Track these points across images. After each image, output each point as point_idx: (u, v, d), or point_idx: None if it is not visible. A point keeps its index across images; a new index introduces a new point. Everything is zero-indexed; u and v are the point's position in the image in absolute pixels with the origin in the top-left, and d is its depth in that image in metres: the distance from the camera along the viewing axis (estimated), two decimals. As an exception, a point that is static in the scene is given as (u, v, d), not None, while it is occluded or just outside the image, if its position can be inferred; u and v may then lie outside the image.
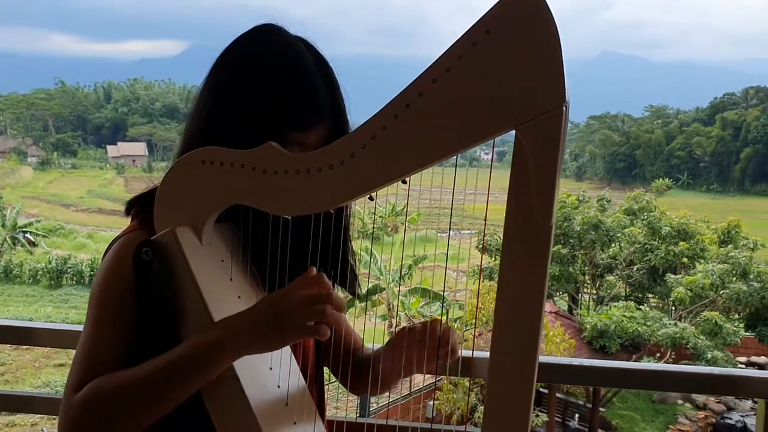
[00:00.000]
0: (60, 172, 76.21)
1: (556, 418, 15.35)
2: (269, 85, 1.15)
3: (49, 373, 19.94)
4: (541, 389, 14.13)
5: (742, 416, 16.55)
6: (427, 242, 18.75)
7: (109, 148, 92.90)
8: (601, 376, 1.83)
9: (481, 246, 18.14)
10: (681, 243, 17.79)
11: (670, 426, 16.68)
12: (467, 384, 12.43)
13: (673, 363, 14.55)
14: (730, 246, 17.79)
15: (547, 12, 0.90)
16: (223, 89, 1.18)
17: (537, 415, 13.79)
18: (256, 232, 1.12)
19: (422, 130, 0.96)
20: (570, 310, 20.15)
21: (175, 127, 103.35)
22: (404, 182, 1.01)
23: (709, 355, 14.36)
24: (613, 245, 18.94)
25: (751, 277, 16.05)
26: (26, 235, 37.55)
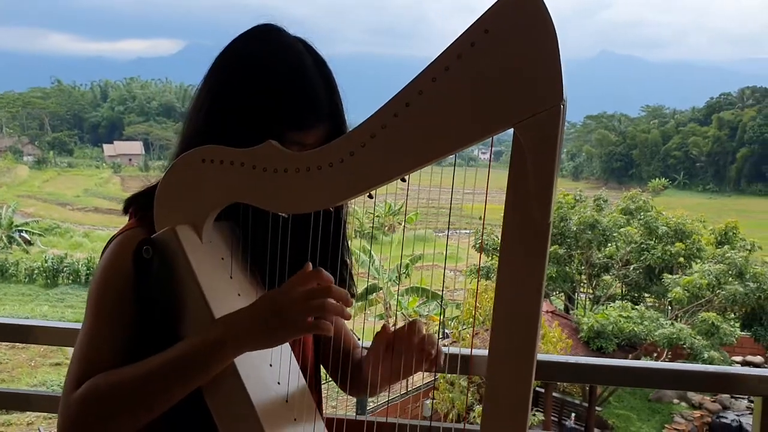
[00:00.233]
0: (56, 171, 76.00)
1: (552, 417, 15.37)
2: (268, 85, 1.15)
3: (45, 372, 19.90)
4: (537, 388, 14.16)
5: (737, 415, 16.59)
6: (424, 241, 18.79)
7: (105, 147, 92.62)
8: (597, 374, 1.83)
9: (477, 245, 18.18)
10: (678, 243, 17.82)
11: (666, 425, 16.71)
12: (463, 383, 12.45)
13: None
14: (726, 247, 17.83)
15: (545, 11, 0.91)
16: (222, 89, 1.19)
17: (533, 414, 13.82)
18: (256, 230, 1.13)
19: (422, 128, 0.97)
20: (566, 309, 20.18)
21: (171, 125, 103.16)
22: (404, 180, 1.02)
23: (706, 356, 14.39)
24: (609, 245, 18.96)
25: (747, 277, 16.09)
26: (22, 233, 37.49)
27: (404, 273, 18.84)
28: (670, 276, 17.28)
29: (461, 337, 13.03)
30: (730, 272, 16.30)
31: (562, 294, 21.08)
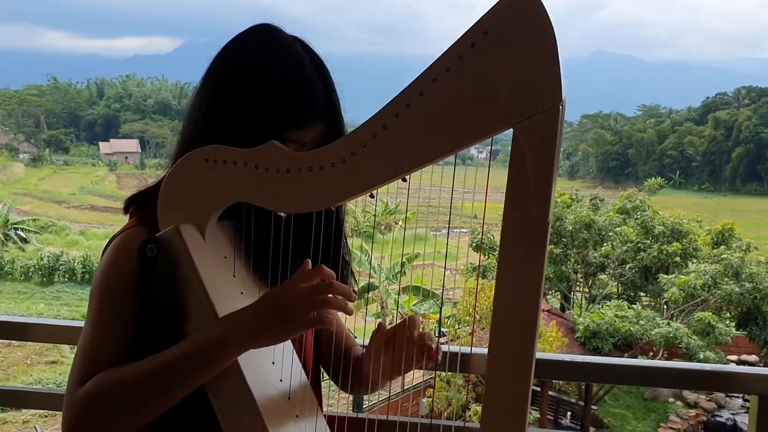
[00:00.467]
0: (52, 169, 75.82)
1: (548, 416, 15.40)
2: (266, 84, 1.16)
3: (41, 370, 19.87)
4: (533, 387, 14.15)
5: (732, 414, 16.65)
6: (420, 240, 18.78)
7: (101, 144, 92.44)
8: (593, 372, 1.85)
9: (474, 244, 18.20)
10: (674, 243, 17.86)
11: (662, 424, 16.76)
12: (460, 381, 12.48)
13: (665, 361, 14.59)
14: (722, 247, 17.87)
15: (544, 13, 0.92)
16: (220, 89, 1.20)
17: (530, 413, 13.80)
18: (258, 229, 1.14)
19: (422, 128, 0.98)
20: (562, 308, 20.21)
21: (167, 123, 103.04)
22: (404, 180, 1.03)
23: (701, 356, 14.43)
24: (605, 244, 19.00)
25: (743, 277, 16.14)
26: (18, 231, 37.39)
27: (400, 271, 18.85)
28: (666, 276, 17.32)
29: (457, 336, 13.04)
30: (726, 272, 16.35)
31: (558, 293, 21.11)
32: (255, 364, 1.10)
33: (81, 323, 1.96)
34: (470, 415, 11.68)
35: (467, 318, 14.08)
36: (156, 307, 1.11)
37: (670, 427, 16.55)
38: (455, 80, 0.95)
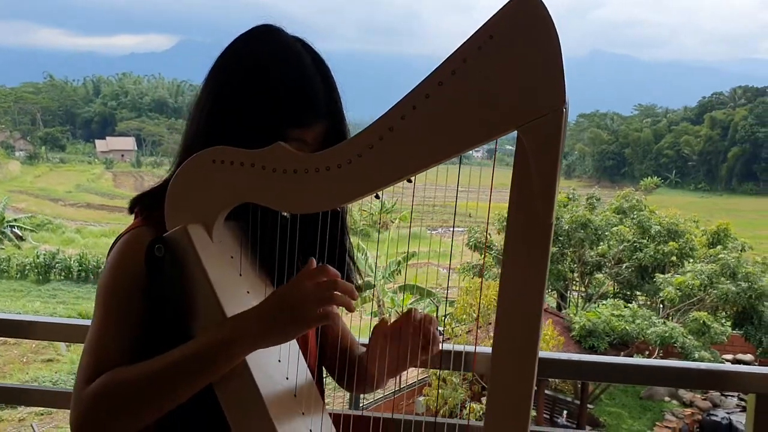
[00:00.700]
0: (48, 167, 75.66)
1: (544, 415, 15.43)
2: (268, 84, 1.18)
3: (37, 368, 19.83)
4: (529, 386, 14.14)
5: (727, 413, 16.69)
6: (417, 239, 18.78)
7: (97, 142, 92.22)
8: (590, 371, 1.86)
9: (470, 244, 18.21)
10: (671, 243, 17.89)
11: (657, 423, 16.79)
12: (456, 380, 12.49)
13: (661, 360, 14.60)
14: (719, 247, 17.91)
15: (548, 18, 0.94)
16: (223, 90, 1.21)
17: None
18: (264, 229, 1.15)
19: (428, 130, 0.99)
20: (559, 307, 20.24)
21: (164, 121, 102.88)
22: (410, 181, 1.05)
23: (697, 355, 14.46)
24: (601, 243, 19.03)
25: (739, 276, 16.18)
26: (14, 229, 37.30)
27: (396, 270, 18.86)
28: (662, 275, 17.35)
29: (455, 334, 13.05)
30: (722, 272, 16.39)
31: (555, 292, 21.13)
32: (262, 362, 1.11)
33: (78, 321, 1.97)
34: (467, 413, 11.70)
35: (464, 317, 14.10)
36: (164, 307, 1.12)
37: (666, 426, 16.58)
38: (461, 83, 0.97)
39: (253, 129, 1.15)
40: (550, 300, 21.48)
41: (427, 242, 16.80)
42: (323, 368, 1.42)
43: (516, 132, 0.97)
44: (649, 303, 19.07)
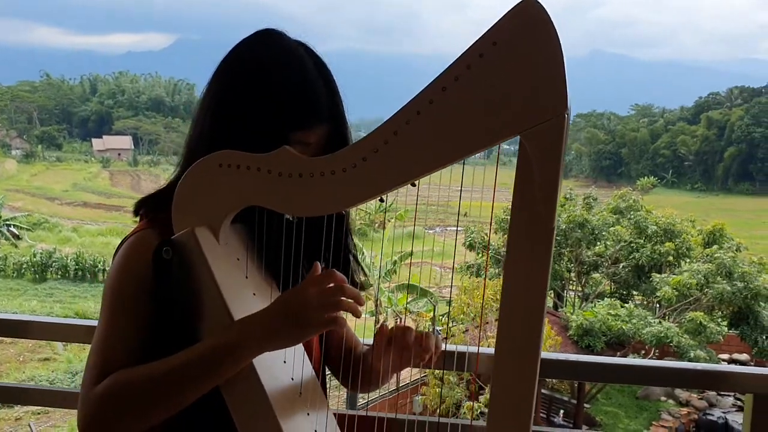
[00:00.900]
0: (44, 165, 75.53)
1: (541, 414, 15.46)
2: (271, 89, 1.19)
3: (33, 367, 19.81)
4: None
5: (723, 413, 16.73)
6: (414, 239, 18.78)
7: (94, 141, 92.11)
8: (587, 371, 1.88)
9: (467, 243, 18.22)
10: (667, 243, 17.93)
11: (654, 422, 16.83)
12: (453, 379, 12.51)
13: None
14: (715, 246, 17.95)
15: (551, 25, 0.95)
16: (226, 94, 1.23)
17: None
18: (270, 231, 1.17)
19: (432, 135, 1.00)
20: (555, 307, 20.27)
21: (161, 120, 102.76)
22: (414, 185, 1.06)
23: (692, 354, 14.50)
24: (598, 243, 19.07)
25: (735, 276, 16.22)
26: (10, 228, 37.23)
27: (392, 269, 18.87)
28: (658, 275, 17.39)
29: (452, 334, 13.07)
30: (718, 272, 16.42)
31: (552, 291, 21.17)
32: (268, 364, 1.13)
33: (75, 321, 1.98)
34: (464, 412, 11.73)
35: (461, 316, 14.12)
36: (171, 308, 1.13)
37: (662, 426, 16.62)
38: (464, 89, 0.98)
39: (257, 133, 1.16)
40: (548, 299, 21.49)
41: (424, 241, 16.81)
42: (326, 369, 1.43)
43: (518, 137, 0.99)
44: (645, 303, 19.11)
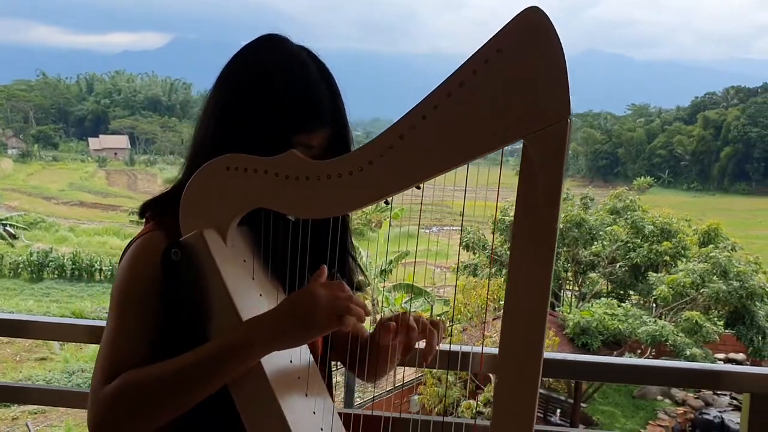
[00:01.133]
0: (41, 165, 75.34)
1: (537, 413, 15.47)
2: (274, 92, 1.21)
3: (30, 367, 19.77)
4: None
5: (719, 412, 16.76)
6: (411, 238, 18.79)
7: (90, 140, 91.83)
8: (584, 370, 1.89)
9: (464, 243, 18.24)
10: (665, 242, 17.96)
11: (650, 421, 16.85)
12: (450, 378, 12.52)
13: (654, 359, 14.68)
14: (710, 246, 17.98)
15: (554, 32, 0.98)
16: (230, 99, 1.25)
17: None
18: (276, 233, 1.18)
19: (437, 140, 1.03)
20: (552, 306, 20.31)
21: (157, 120, 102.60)
22: (418, 188, 1.08)
23: (688, 352, 14.52)
24: (595, 243, 19.09)
25: (731, 275, 16.25)
26: (7, 227, 37.18)
27: (388, 269, 18.89)
28: (654, 274, 17.42)
29: (449, 333, 13.10)
30: (714, 271, 16.45)
31: (548, 291, 21.16)
32: (275, 363, 1.15)
33: (73, 320, 2.00)
34: (461, 411, 11.75)
35: (458, 316, 14.13)
36: (179, 309, 1.15)
37: (659, 425, 16.64)
38: (469, 94, 1.00)
39: (260, 136, 1.18)
40: (545, 300, 21.48)
41: (421, 241, 16.77)
42: (330, 368, 1.45)
43: (522, 141, 1.01)
44: (642, 302, 19.15)
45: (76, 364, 19.49)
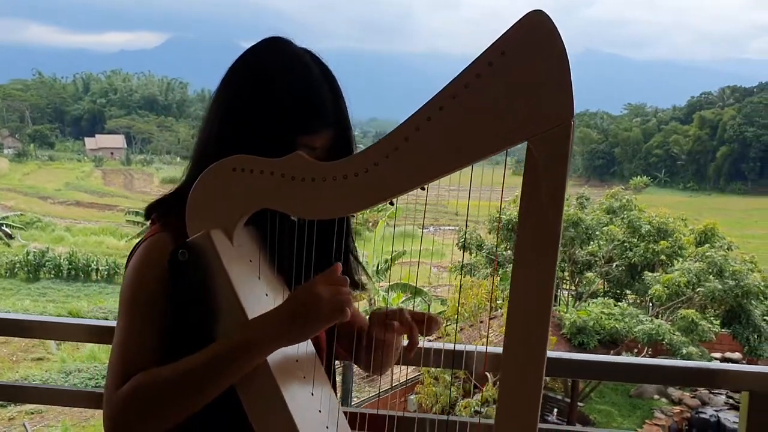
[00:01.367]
0: (37, 164, 75.21)
1: (535, 413, 15.49)
2: (278, 94, 1.23)
3: (27, 366, 19.74)
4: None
5: (716, 411, 16.80)
6: (407, 238, 18.77)
7: (87, 140, 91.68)
8: (588, 370, 1.91)
9: (460, 243, 18.24)
10: (661, 242, 18.00)
11: (647, 420, 16.89)
12: (448, 378, 12.54)
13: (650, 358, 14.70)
14: (706, 246, 18.02)
15: (558, 36, 0.99)
16: (234, 101, 1.26)
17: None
18: (281, 234, 1.20)
19: (442, 141, 1.04)
20: (549, 306, 20.31)
21: (153, 119, 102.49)
22: (423, 189, 1.09)
23: (684, 351, 14.55)
24: (592, 243, 19.12)
25: (727, 275, 16.28)
26: (3, 227, 37.14)
27: (385, 268, 18.89)
28: (650, 274, 17.45)
29: (446, 333, 13.11)
30: (709, 270, 16.49)
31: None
32: (281, 362, 1.16)
33: (73, 320, 2.01)
34: (459, 410, 11.77)
35: (456, 316, 14.15)
36: (188, 310, 1.17)
37: (655, 424, 16.68)
38: (473, 97, 1.01)
39: (264, 137, 1.20)
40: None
41: (417, 240, 16.76)
42: (334, 367, 1.46)
43: (526, 143, 1.02)
44: (639, 301, 19.18)
45: (72, 364, 19.47)
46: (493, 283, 14.21)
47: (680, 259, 17.72)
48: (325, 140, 1.25)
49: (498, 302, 14.74)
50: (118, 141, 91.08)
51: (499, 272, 15.72)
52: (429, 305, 16.47)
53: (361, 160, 1.08)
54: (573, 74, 0.99)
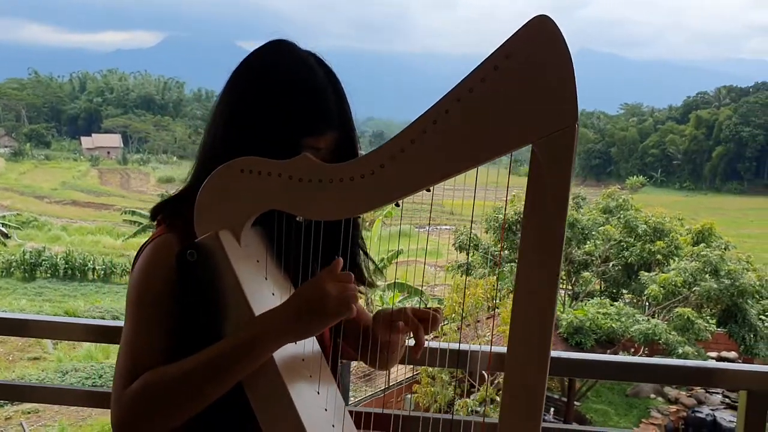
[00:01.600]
0: (33, 164, 74.99)
1: (532, 412, 15.50)
2: (283, 97, 1.24)
3: (23, 366, 19.69)
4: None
5: (712, 410, 16.84)
6: (404, 237, 18.78)
7: (83, 139, 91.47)
8: (581, 369, 1.92)
9: (457, 243, 18.25)
10: (658, 242, 18.02)
11: (643, 419, 16.92)
12: (445, 377, 12.56)
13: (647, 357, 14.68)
14: (702, 245, 18.05)
15: (562, 41, 1.01)
16: (238, 104, 1.27)
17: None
18: (288, 234, 1.21)
19: (447, 144, 1.06)
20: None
21: (150, 118, 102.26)
22: (428, 191, 1.11)
23: (681, 350, 14.57)
24: (588, 242, 19.14)
25: (722, 274, 16.32)
26: (-1, 227, 37.06)
27: (382, 267, 18.87)
28: (646, 273, 17.48)
29: (444, 332, 13.13)
30: (705, 270, 16.52)
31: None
32: (287, 361, 1.18)
33: (69, 320, 2.02)
34: (457, 409, 11.78)
35: (453, 315, 14.17)
36: (195, 309, 1.18)
37: (652, 423, 16.70)
38: (478, 100, 1.03)
39: (269, 139, 1.21)
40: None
41: (414, 240, 16.77)
42: (339, 365, 1.48)
43: (530, 146, 1.04)
44: (635, 301, 19.21)
45: (69, 364, 19.41)
46: (497, 281, 14.20)
47: (676, 259, 17.74)
48: (330, 141, 1.26)
49: (495, 302, 14.76)
50: (114, 140, 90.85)
51: (496, 271, 15.71)
52: (426, 304, 16.47)
53: (367, 162, 1.10)
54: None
